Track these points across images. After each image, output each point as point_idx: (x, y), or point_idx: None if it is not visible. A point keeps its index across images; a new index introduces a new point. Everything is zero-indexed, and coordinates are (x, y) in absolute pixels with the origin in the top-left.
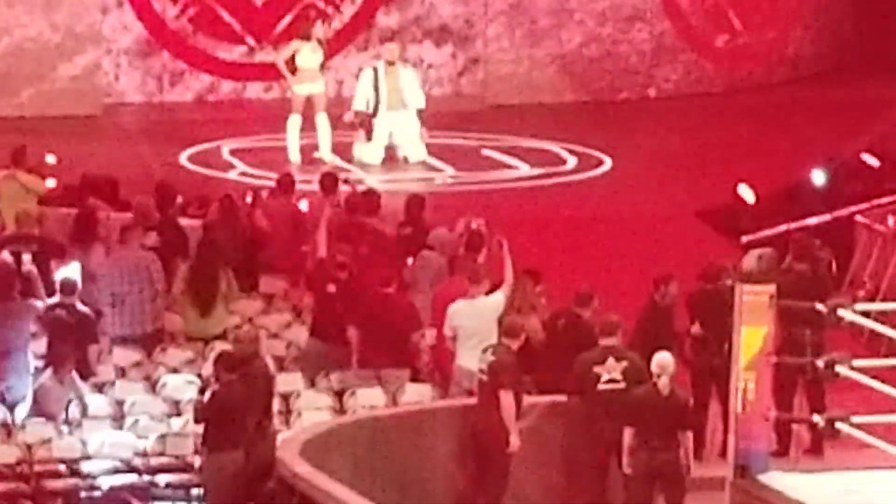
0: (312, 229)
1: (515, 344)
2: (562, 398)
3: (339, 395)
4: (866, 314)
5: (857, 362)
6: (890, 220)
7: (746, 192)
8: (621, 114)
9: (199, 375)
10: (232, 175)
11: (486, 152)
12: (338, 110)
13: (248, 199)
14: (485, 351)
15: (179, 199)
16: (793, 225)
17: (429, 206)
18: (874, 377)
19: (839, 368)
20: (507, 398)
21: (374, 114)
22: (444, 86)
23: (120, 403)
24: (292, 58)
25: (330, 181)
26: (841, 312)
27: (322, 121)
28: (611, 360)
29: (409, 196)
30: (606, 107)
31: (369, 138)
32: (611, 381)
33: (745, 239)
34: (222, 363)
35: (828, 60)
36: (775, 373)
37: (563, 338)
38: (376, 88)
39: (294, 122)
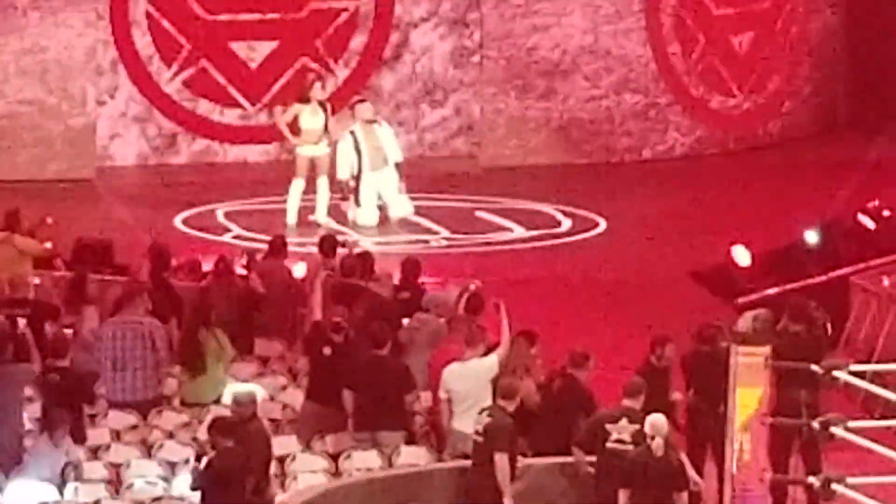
0: (308, 292)
1: (511, 406)
2: (558, 459)
3: (334, 457)
4: (861, 375)
5: (853, 423)
6: (885, 281)
7: (741, 254)
8: (616, 175)
9: (195, 439)
10: (227, 238)
11: (480, 214)
12: (332, 171)
13: (243, 262)
14: (480, 413)
15: (174, 262)
16: (788, 286)
17: (424, 268)
18: (870, 438)
19: (834, 430)
20: (501, 460)
21: (359, 177)
22: (439, 147)
23: (115, 467)
24: (295, 120)
25: (329, 244)
26: (836, 373)
27: (323, 184)
28: (624, 421)
29: (404, 259)
30: (601, 168)
31: (358, 203)
32: (618, 440)
33: (740, 300)
34: (218, 429)
35: (822, 121)
36: (771, 434)
37: (559, 399)
38: (358, 151)
39: (297, 185)
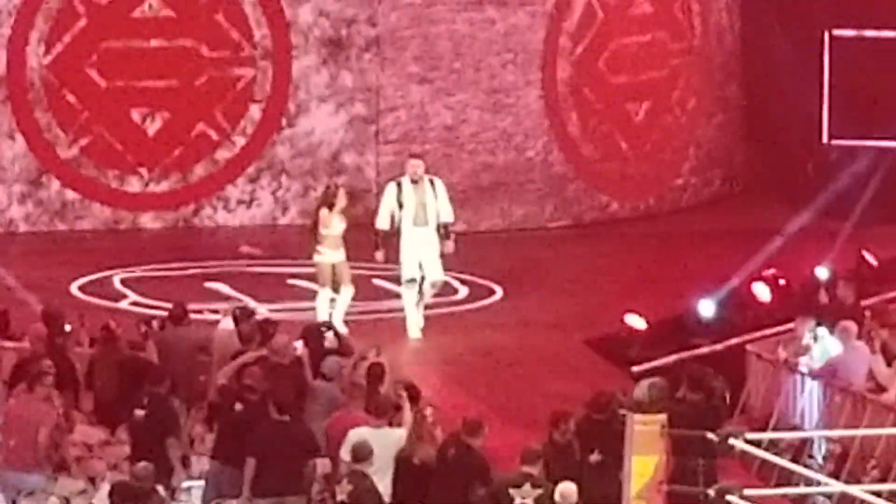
0: (212, 359)
1: (367, 468)
2: None
3: None
4: (757, 444)
5: (749, 492)
6: (780, 350)
7: (637, 322)
8: (512, 243)
9: None
10: (123, 305)
11: (377, 282)
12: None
13: (142, 330)
14: (339, 482)
15: (68, 328)
16: (684, 354)
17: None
18: None
19: (730, 498)
20: None
21: (399, 231)
22: None
23: None
24: (315, 225)
25: (243, 315)
26: (732, 442)
27: (347, 292)
28: (527, 487)
29: (306, 326)
30: (498, 236)
31: (399, 257)
32: None
33: (635, 369)
34: (117, 495)
35: (719, 189)
36: (667, 502)
37: (454, 466)
38: (400, 204)
39: (325, 294)
